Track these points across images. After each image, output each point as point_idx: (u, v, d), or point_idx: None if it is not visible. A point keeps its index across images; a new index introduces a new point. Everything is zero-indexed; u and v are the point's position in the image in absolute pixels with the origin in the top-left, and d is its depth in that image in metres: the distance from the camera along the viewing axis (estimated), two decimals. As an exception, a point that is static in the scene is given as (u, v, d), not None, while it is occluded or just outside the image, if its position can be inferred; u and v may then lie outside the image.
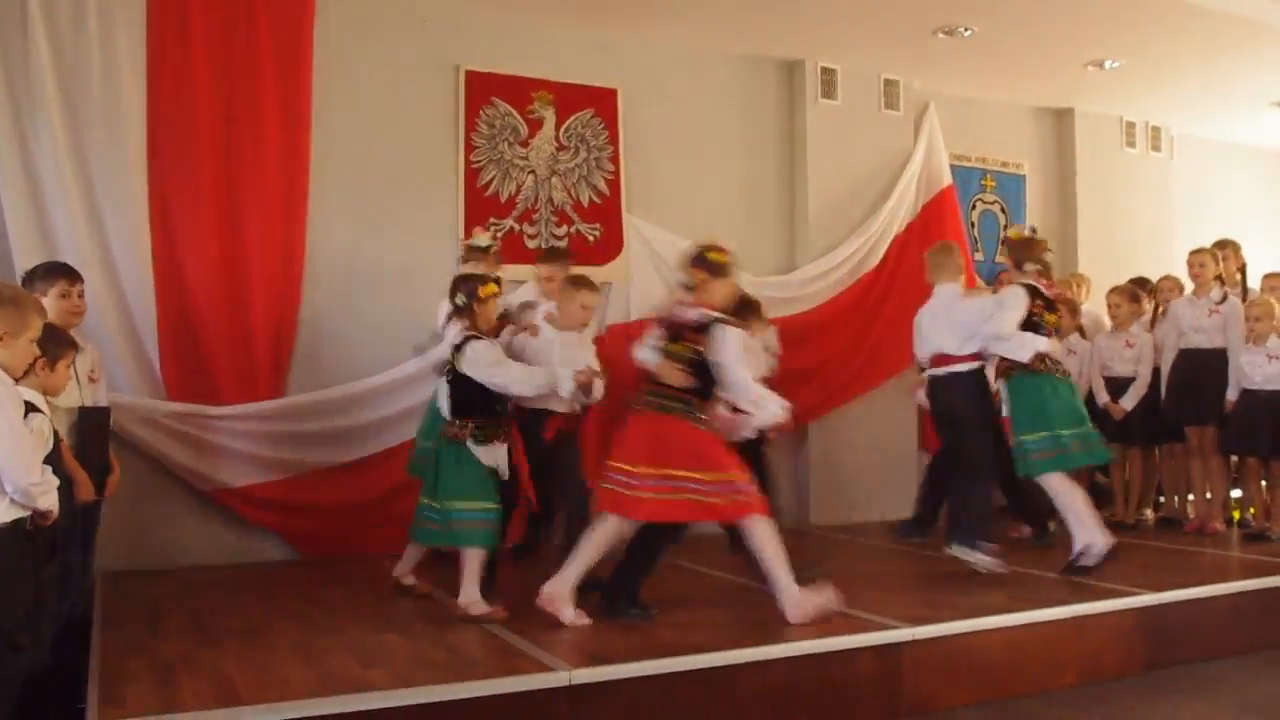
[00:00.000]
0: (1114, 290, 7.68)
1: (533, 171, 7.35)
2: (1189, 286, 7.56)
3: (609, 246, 7.50)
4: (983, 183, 9.30)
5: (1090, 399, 7.46)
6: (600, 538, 4.64)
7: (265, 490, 6.28)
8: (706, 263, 4.70)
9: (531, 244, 7.25)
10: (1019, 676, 4.75)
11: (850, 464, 7.96)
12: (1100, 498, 7.94)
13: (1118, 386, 7.43)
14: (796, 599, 4.60)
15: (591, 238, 7.46)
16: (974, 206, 9.23)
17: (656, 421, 4.57)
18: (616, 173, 7.61)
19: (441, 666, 3.97)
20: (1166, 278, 7.96)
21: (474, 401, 4.84)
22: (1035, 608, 4.93)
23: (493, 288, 4.98)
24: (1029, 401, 5.62)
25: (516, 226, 7.25)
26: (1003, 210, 9.37)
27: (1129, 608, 5.12)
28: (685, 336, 4.59)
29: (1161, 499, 7.87)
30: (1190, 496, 7.57)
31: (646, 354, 4.73)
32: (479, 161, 7.19)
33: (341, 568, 6.02)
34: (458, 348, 4.84)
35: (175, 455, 6.10)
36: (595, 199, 7.54)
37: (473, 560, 4.73)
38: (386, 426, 6.53)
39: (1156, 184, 9.96)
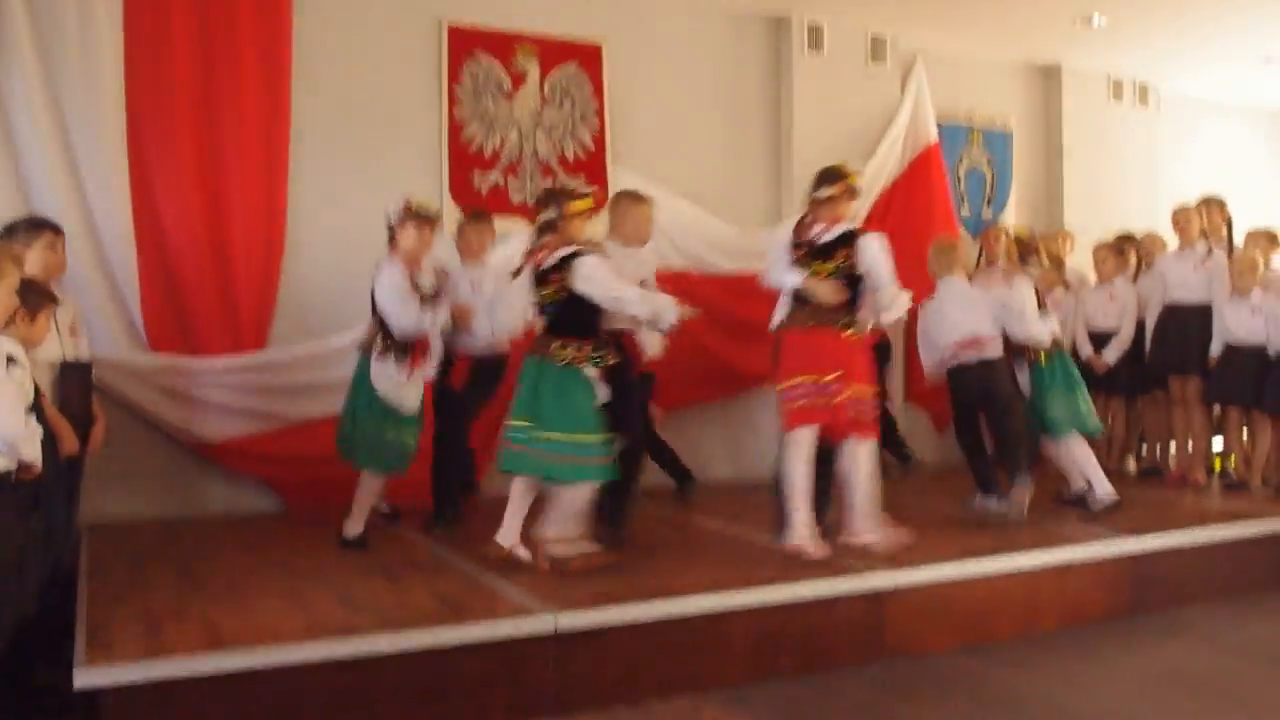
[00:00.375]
0: (1100, 245, 7.71)
1: (517, 126, 7.30)
2: (1173, 242, 7.60)
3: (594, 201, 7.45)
4: (969, 138, 9.25)
5: (1074, 352, 7.51)
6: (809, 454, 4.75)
7: (251, 442, 6.26)
8: (850, 185, 4.92)
9: (516, 198, 7.21)
10: (1001, 621, 4.83)
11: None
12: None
13: (1101, 340, 7.48)
14: (874, 526, 4.85)
15: (577, 192, 7.42)
16: (961, 162, 9.18)
17: (818, 333, 4.74)
18: (601, 127, 7.55)
19: (427, 612, 3.99)
20: (1150, 234, 8.00)
21: (584, 321, 4.61)
22: (1018, 552, 4.98)
23: (584, 203, 4.76)
24: (1064, 377, 6.18)
25: (501, 181, 7.21)
26: (989, 166, 9.34)
27: (1111, 555, 5.19)
28: (833, 253, 4.74)
29: (1144, 448, 7.93)
30: (1172, 447, 7.62)
31: (788, 276, 4.80)
32: (462, 116, 7.14)
33: (329, 518, 6.01)
34: (563, 263, 4.57)
35: (158, 408, 6.08)
36: (580, 153, 7.49)
37: (576, 497, 4.54)
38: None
39: (1143, 140, 9.93)
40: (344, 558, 5.03)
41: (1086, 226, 8.85)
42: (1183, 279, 7.24)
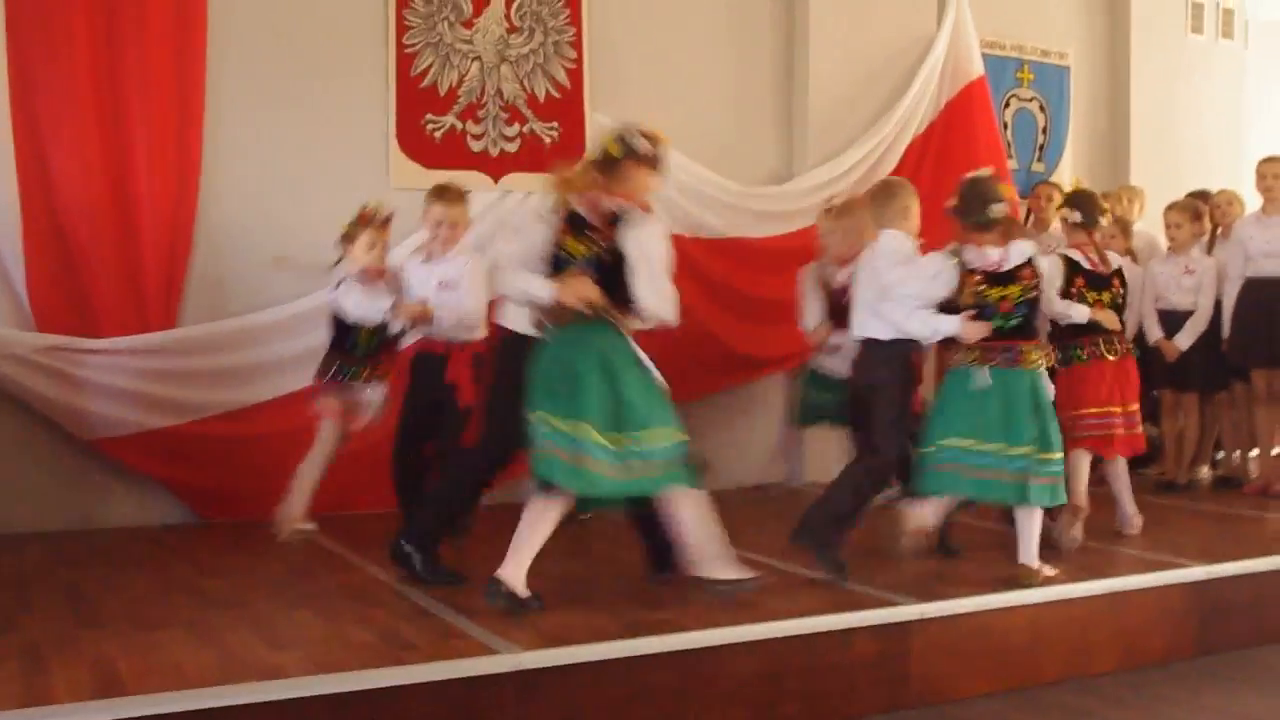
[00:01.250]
0: (1173, 207, 7.61)
1: (478, 58, 7.28)
2: (1252, 202, 7.55)
3: (569, 150, 7.32)
4: (1019, 75, 9.24)
5: (1140, 335, 7.48)
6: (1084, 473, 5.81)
7: (157, 438, 6.26)
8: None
9: (477, 145, 7.21)
10: (1046, 662, 4.83)
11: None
12: (1148, 452, 8.00)
13: (1173, 321, 7.41)
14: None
15: (548, 139, 7.40)
16: (1007, 104, 9.17)
17: (1111, 361, 5.82)
18: (579, 61, 7.53)
19: (364, 649, 3.99)
20: (1223, 192, 7.93)
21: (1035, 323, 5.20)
22: (1066, 581, 4.99)
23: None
24: None
25: (459, 125, 7.19)
26: (1042, 109, 9.33)
27: (1177, 582, 5.19)
28: (1110, 284, 5.91)
29: (1220, 455, 7.94)
30: (1254, 452, 7.61)
31: (1077, 308, 5.73)
32: (414, 46, 7.11)
33: (246, 532, 6.03)
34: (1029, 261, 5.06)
35: (48, 397, 6.07)
36: (553, 92, 7.47)
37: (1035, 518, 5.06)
38: (303, 362, 6.48)
39: (1227, 78, 9.93)
40: (266, 583, 5.02)
41: (1158, 182, 8.81)
42: (1269, 247, 7.20)
